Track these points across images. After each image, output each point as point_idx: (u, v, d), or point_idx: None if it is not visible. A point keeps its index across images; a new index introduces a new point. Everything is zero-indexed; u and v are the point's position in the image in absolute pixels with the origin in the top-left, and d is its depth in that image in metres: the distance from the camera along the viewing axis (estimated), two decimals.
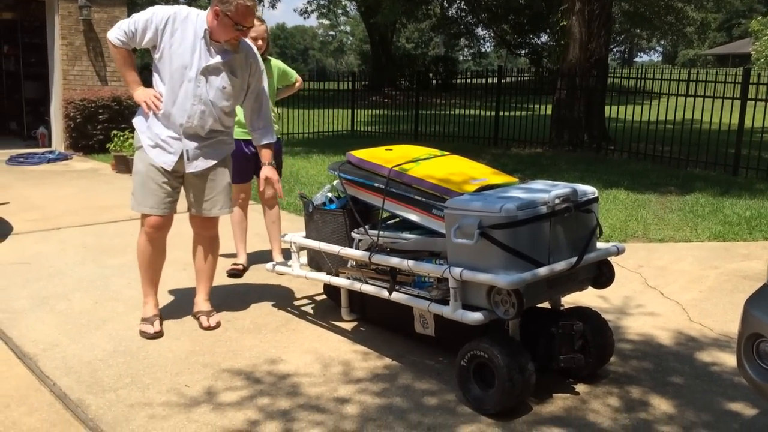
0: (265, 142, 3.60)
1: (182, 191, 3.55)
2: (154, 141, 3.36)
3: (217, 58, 3.29)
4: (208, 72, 3.29)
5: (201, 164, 3.44)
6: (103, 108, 10.21)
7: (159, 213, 3.41)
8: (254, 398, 2.88)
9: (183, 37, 3.26)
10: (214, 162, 3.48)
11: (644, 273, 4.68)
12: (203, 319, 3.62)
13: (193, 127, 3.34)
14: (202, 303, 3.71)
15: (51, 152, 10.23)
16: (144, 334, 3.46)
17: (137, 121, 3.44)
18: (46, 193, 7.37)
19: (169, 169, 3.37)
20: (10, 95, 12.27)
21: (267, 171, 3.56)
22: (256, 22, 4.37)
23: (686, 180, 8.29)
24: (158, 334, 3.46)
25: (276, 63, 4.61)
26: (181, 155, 3.37)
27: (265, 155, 3.59)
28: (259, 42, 4.32)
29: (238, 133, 4.39)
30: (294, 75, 4.77)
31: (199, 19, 3.28)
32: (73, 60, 10.69)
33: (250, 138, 4.38)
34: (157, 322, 3.51)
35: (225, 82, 3.34)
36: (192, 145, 3.38)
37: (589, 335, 2.97)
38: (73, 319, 3.72)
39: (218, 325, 3.61)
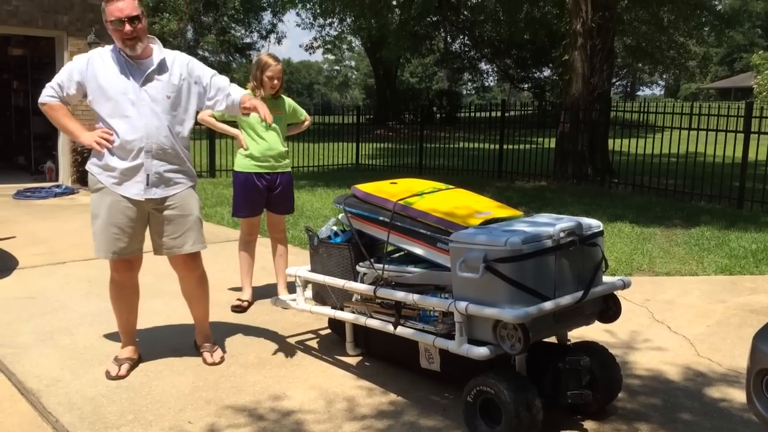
0: (242, 92, 3.49)
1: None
2: (117, 177, 3.25)
3: (147, 70, 3.26)
4: (144, 86, 3.25)
5: (160, 192, 3.30)
6: None
7: (119, 258, 3.32)
8: None
9: (107, 66, 3.25)
10: (174, 191, 3.35)
11: (651, 307, 4.65)
12: (206, 355, 3.59)
13: (154, 146, 3.24)
14: (202, 338, 3.69)
15: (58, 186, 10.29)
16: (107, 374, 3.36)
17: (91, 165, 3.32)
18: (52, 227, 7.39)
19: (142, 199, 3.25)
20: (18, 130, 12.40)
21: (250, 102, 3.42)
22: (272, 61, 4.44)
23: (691, 213, 8.28)
24: (118, 378, 3.34)
25: (288, 101, 4.68)
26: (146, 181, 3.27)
27: (245, 98, 3.47)
28: (275, 81, 4.39)
29: (250, 165, 4.44)
30: (303, 113, 4.83)
31: (114, 48, 3.30)
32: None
33: (262, 171, 4.44)
34: (125, 366, 3.40)
35: (167, 91, 3.29)
36: (154, 167, 3.26)
37: (597, 370, 2.94)
38: (77, 354, 3.70)
39: (222, 359, 3.58)
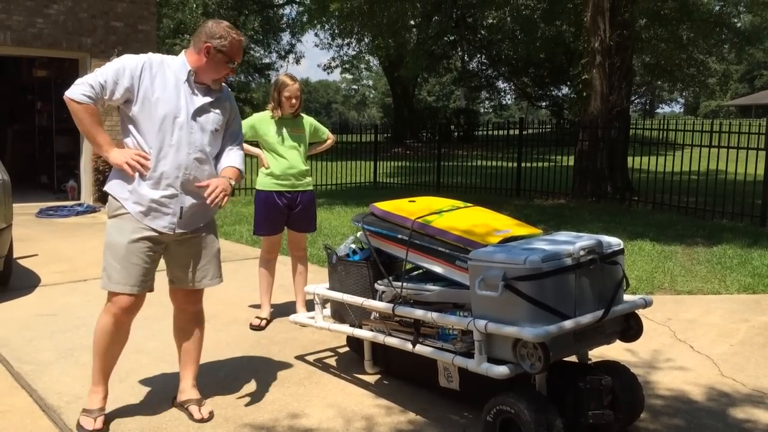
0: (229, 164, 3.11)
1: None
2: (145, 205, 2.91)
3: (206, 99, 3.01)
4: (198, 115, 2.98)
5: (191, 224, 3.02)
6: None
7: (138, 291, 2.95)
8: None
9: (164, 82, 2.93)
10: (202, 223, 3.09)
11: (673, 326, 4.59)
12: (194, 409, 3.15)
13: (190, 180, 2.96)
14: (190, 390, 3.23)
15: (80, 205, 10.43)
16: (81, 430, 2.96)
17: (115, 187, 2.96)
18: (73, 245, 7.48)
19: (172, 233, 2.96)
20: (42, 149, 12.61)
21: (221, 182, 2.99)
22: (289, 81, 4.49)
23: (713, 231, 8.19)
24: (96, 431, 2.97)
25: (308, 119, 4.71)
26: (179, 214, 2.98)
27: (229, 172, 3.09)
28: (293, 101, 4.44)
29: (271, 184, 4.48)
30: (326, 132, 4.86)
31: (176, 61, 3.00)
32: (104, 115, 10.84)
33: (282, 189, 4.48)
34: (100, 419, 3.01)
35: (216, 124, 3.04)
36: (189, 201, 2.98)
37: (618, 390, 2.90)
38: None
39: (211, 415, 3.15)
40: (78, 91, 2.82)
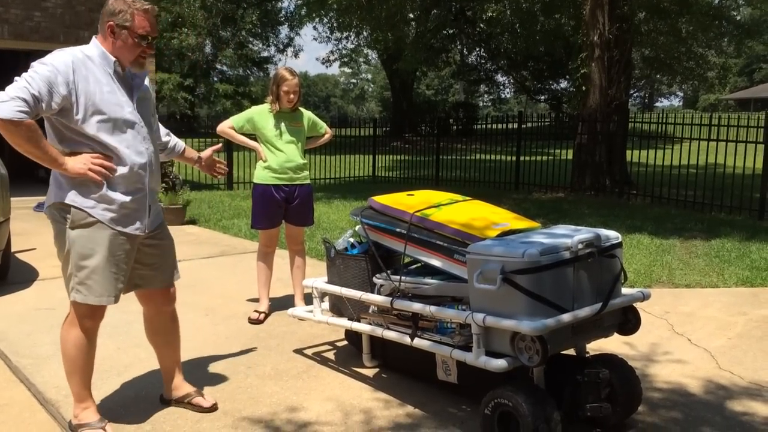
0: (184, 146, 3.30)
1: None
2: (116, 211, 2.73)
3: (137, 88, 2.84)
4: (140, 106, 2.82)
5: (156, 221, 2.94)
6: None
7: (116, 300, 2.84)
8: None
9: (97, 81, 2.68)
10: (161, 217, 3.01)
11: (671, 319, 4.60)
12: (199, 400, 3.16)
13: (153, 176, 2.87)
14: (184, 385, 3.22)
15: None
16: None
17: (75, 197, 2.70)
18: None
19: (144, 233, 2.84)
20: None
21: (206, 153, 3.28)
22: (288, 75, 4.47)
23: (711, 225, 8.20)
24: None
25: (307, 113, 4.70)
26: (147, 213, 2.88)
27: (193, 152, 3.32)
28: (291, 95, 4.42)
29: (269, 177, 4.48)
30: (324, 126, 4.85)
31: (95, 53, 2.73)
32: None
33: (280, 183, 4.47)
34: (108, 427, 2.90)
35: (152, 109, 2.93)
36: (152, 197, 2.89)
37: (616, 383, 2.91)
38: (95, 365, 3.71)
39: (215, 403, 3.19)
40: (11, 109, 2.44)
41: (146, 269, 2.96)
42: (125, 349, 3.96)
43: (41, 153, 2.58)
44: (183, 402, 3.17)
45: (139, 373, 3.60)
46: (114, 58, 2.73)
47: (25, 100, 2.47)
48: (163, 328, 3.14)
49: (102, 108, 2.67)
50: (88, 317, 2.82)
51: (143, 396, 3.31)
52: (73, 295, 2.79)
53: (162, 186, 9.15)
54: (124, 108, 2.74)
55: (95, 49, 2.74)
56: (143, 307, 3.11)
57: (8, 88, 2.50)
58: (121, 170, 2.73)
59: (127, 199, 2.76)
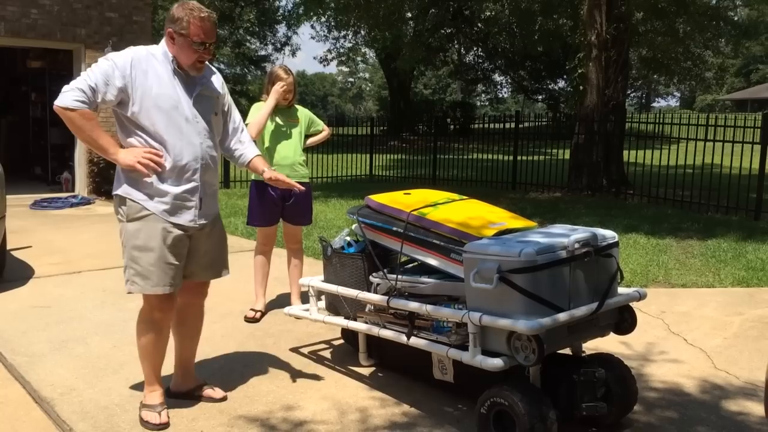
0: (255, 153, 3.24)
1: None
2: (168, 203, 2.86)
3: (198, 86, 2.95)
4: (198, 103, 2.93)
5: (209, 213, 3.02)
6: None
7: (175, 289, 2.93)
8: None
9: (157, 75, 2.84)
10: (216, 211, 3.10)
11: (667, 319, 4.60)
12: (210, 391, 3.23)
13: (207, 170, 2.96)
14: (194, 378, 3.29)
15: (74, 197, 10.39)
16: (147, 425, 2.93)
17: (130, 189, 2.86)
18: (67, 237, 7.46)
19: (196, 225, 2.94)
20: (36, 141, 12.55)
21: (271, 173, 3.18)
22: (283, 74, 4.46)
23: (707, 225, 8.21)
24: (164, 426, 2.93)
25: (303, 111, 4.70)
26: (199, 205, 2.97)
27: (261, 162, 3.23)
28: (287, 95, 4.42)
29: None
30: (321, 124, 4.84)
31: (159, 51, 2.90)
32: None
33: None
34: (164, 413, 2.98)
35: (216, 108, 3.03)
36: (206, 191, 2.99)
37: (612, 383, 2.91)
38: (91, 363, 3.72)
39: (225, 394, 3.26)
40: (69, 98, 2.71)
41: (197, 262, 3.04)
42: (121, 347, 3.96)
43: (94, 141, 2.78)
44: (193, 394, 3.21)
45: (135, 372, 3.59)
46: (173, 56, 2.88)
47: (83, 91, 2.71)
48: (191, 320, 3.21)
49: (157, 101, 2.82)
50: (155, 308, 2.93)
51: (139, 395, 3.30)
52: (128, 286, 2.92)
53: None
54: (181, 103, 2.87)
55: (160, 47, 2.91)
56: (178, 298, 3.10)
57: (72, 83, 2.75)
58: (169, 163, 2.84)
59: (179, 190, 2.88)
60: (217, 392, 3.23)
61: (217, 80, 3.08)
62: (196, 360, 3.38)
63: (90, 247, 6.82)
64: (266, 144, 4.48)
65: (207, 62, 3.01)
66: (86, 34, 10.64)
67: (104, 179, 10.52)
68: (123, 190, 2.88)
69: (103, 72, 2.76)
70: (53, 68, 11.65)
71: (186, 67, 2.89)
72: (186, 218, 2.91)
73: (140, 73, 2.80)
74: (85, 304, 4.83)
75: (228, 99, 3.17)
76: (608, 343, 3.84)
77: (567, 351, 3.09)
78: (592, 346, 3.52)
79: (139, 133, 2.84)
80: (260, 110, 4.41)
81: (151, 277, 2.86)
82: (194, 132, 2.89)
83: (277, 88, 4.38)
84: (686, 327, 4.44)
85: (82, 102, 2.72)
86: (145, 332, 2.99)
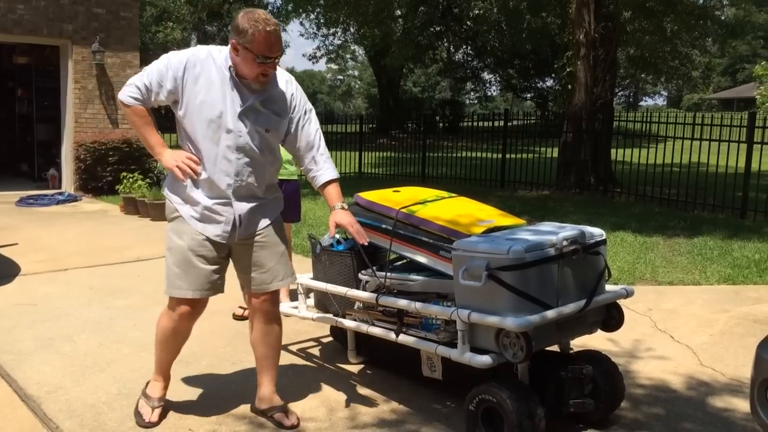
0: (329, 177, 2.94)
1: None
2: (198, 212, 2.80)
3: (253, 98, 2.75)
4: (246, 116, 2.74)
5: (251, 227, 2.87)
6: (113, 150, 10.34)
7: (199, 296, 2.84)
8: None
9: (208, 81, 2.71)
10: (267, 222, 2.91)
11: (654, 316, 4.63)
12: (280, 416, 2.97)
13: (243, 186, 2.80)
14: (271, 397, 3.04)
15: (60, 194, 10.32)
16: (137, 416, 2.96)
17: (169, 190, 2.87)
18: (54, 234, 7.40)
19: (224, 242, 2.83)
20: (22, 137, 12.46)
21: (340, 216, 2.88)
22: None
23: (694, 223, 8.27)
24: (151, 425, 2.91)
25: None
26: (233, 223, 2.83)
27: (333, 195, 2.93)
28: None
29: None
30: None
31: (221, 56, 2.75)
32: (86, 103, 10.86)
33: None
34: (157, 411, 2.96)
35: (268, 124, 2.80)
36: (244, 207, 2.82)
37: (599, 379, 2.93)
38: (78, 360, 3.70)
39: (299, 421, 2.99)
40: (125, 93, 2.76)
41: (243, 273, 2.94)
42: (108, 345, 3.93)
43: (144, 138, 2.81)
44: (265, 414, 3.03)
45: (122, 370, 3.58)
46: (231, 65, 2.71)
47: (138, 88, 2.73)
48: (257, 331, 3.01)
49: (200, 108, 2.72)
50: (174, 310, 2.87)
51: (126, 393, 3.29)
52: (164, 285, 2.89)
53: (146, 181, 9.09)
54: (225, 114, 2.72)
55: (223, 52, 2.77)
56: (247, 306, 3.07)
57: (135, 76, 2.78)
58: (204, 174, 2.77)
59: (210, 203, 2.79)
60: (289, 419, 2.97)
61: (284, 95, 2.85)
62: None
63: (77, 244, 6.77)
64: None
65: (279, 73, 2.85)
66: (73, 30, 10.56)
67: (91, 176, 10.45)
68: (166, 190, 2.90)
69: (158, 72, 2.73)
70: (40, 64, 11.56)
71: (248, 79, 2.72)
72: (213, 231, 2.81)
73: (191, 78, 2.71)
74: (71, 302, 4.80)
75: (298, 115, 2.89)
76: (596, 340, 3.86)
77: (555, 348, 3.11)
78: (579, 343, 3.54)
79: (184, 137, 2.81)
80: None
81: (174, 280, 2.82)
82: (232, 146, 2.74)
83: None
84: (673, 324, 4.47)
85: (136, 99, 2.74)
86: (163, 329, 2.94)
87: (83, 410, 3.09)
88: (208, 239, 2.81)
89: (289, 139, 2.92)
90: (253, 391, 3.31)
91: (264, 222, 2.91)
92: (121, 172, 9.54)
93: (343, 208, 2.90)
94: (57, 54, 10.93)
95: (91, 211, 9.26)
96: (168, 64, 2.72)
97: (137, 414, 2.98)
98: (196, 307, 2.89)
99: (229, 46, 2.71)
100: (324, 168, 2.95)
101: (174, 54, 2.77)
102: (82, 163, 10.44)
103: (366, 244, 2.90)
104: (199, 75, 2.71)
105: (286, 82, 2.87)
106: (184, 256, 2.80)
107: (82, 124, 10.84)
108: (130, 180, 9.03)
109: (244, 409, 3.13)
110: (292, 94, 2.87)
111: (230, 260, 2.96)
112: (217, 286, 2.91)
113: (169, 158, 2.76)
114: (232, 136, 2.74)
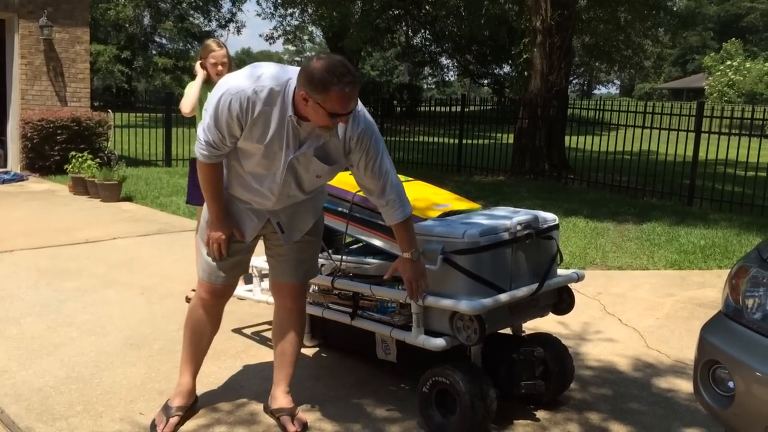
0: (398, 220, 2.65)
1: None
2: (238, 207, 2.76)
3: (308, 145, 2.54)
4: (297, 162, 2.58)
5: (296, 235, 2.80)
6: (61, 128, 10.03)
7: (220, 282, 2.80)
8: (211, 427, 2.82)
9: (266, 122, 2.48)
10: (312, 221, 2.85)
11: (603, 300, 4.75)
12: (286, 420, 2.81)
13: (283, 209, 2.75)
14: (283, 398, 2.89)
15: (6, 173, 9.98)
16: (153, 429, 2.78)
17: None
18: None
19: (250, 239, 2.78)
20: None
21: (407, 268, 2.67)
22: (216, 46, 4.36)
23: (643, 209, 8.48)
24: None
25: None
26: (266, 222, 2.76)
27: (403, 240, 2.68)
28: (219, 67, 4.31)
29: None
30: None
31: (286, 95, 2.46)
32: (32, 80, 10.50)
33: None
34: (173, 421, 2.79)
35: (318, 170, 2.62)
36: (283, 216, 2.76)
37: (550, 361, 2.99)
38: (24, 344, 3.60)
39: (306, 426, 2.84)
40: (198, 151, 2.61)
41: (275, 259, 2.88)
42: (55, 328, 3.84)
43: (206, 199, 2.72)
44: (273, 415, 2.91)
45: (70, 353, 3.50)
46: (292, 115, 2.47)
47: (209, 144, 2.56)
48: (281, 324, 2.94)
49: (252, 151, 2.56)
50: (206, 291, 2.84)
51: (74, 376, 3.22)
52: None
53: (96, 161, 8.86)
54: (275, 163, 2.57)
55: (287, 93, 2.47)
56: (273, 297, 3.00)
57: (202, 126, 2.58)
58: (244, 193, 2.71)
59: (246, 207, 2.75)
60: (294, 425, 2.80)
61: (342, 142, 2.58)
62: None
63: (23, 225, 6.57)
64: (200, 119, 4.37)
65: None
66: (20, 3, 10.18)
67: (38, 155, 10.13)
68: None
69: (225, 125, 2.48)
70: None
71: (317, 126, 2.48)
72: (248, 230, 2.76)
73: (250, 119, 2.47)
74: (17, 284, 4.66)
75: (360, 159, 2.60)
76: (547, 323, 3.93)
77: (507, 331, 3.16)
78: (531, 325, 3.60)
79: (234, 157, 2.65)
80: (192, 87, 4.33)
81: (200, 262, 2.82)
82: (276, 192, 2.64)
83: (207, 62, 4.29)
84: (621, 308, 4.59)
85: (208, 156, 2.59)
86: (194, 311, 2.89)
87: (30, 394, 3.01)
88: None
89: (354, 174, 2.71)
90: (206, 376, 3.29)
91: (310, 221, 2.84)
92: (69, 151, 9.26)
93: (413, 258, 2.66)
94: (2, 28, 10.52)
95: (39, 191, 8.99)
96: (231, 113, 2.46)
97: (152, 426, 2.81)
98: (222, 290, 2.84)
99: (298, 89, 2.40)
100: (390, 210, 2.67)
101: (234, 91, 2.45)
102: (28, 141, 10.10)
103: (420, 303, 2.76)
104: (258, 118, 2.48)
105: (351, 119, 2.55)
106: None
107: (29, 101, 10.48)
108: (80, 159, 8.78)
109: (198, 392, 3.09)
110: (350, 138, 2.57)
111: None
112: (242, 270, 2.92)
113: (212, 228, 2.72)
114: (278, 185, 2.62)
